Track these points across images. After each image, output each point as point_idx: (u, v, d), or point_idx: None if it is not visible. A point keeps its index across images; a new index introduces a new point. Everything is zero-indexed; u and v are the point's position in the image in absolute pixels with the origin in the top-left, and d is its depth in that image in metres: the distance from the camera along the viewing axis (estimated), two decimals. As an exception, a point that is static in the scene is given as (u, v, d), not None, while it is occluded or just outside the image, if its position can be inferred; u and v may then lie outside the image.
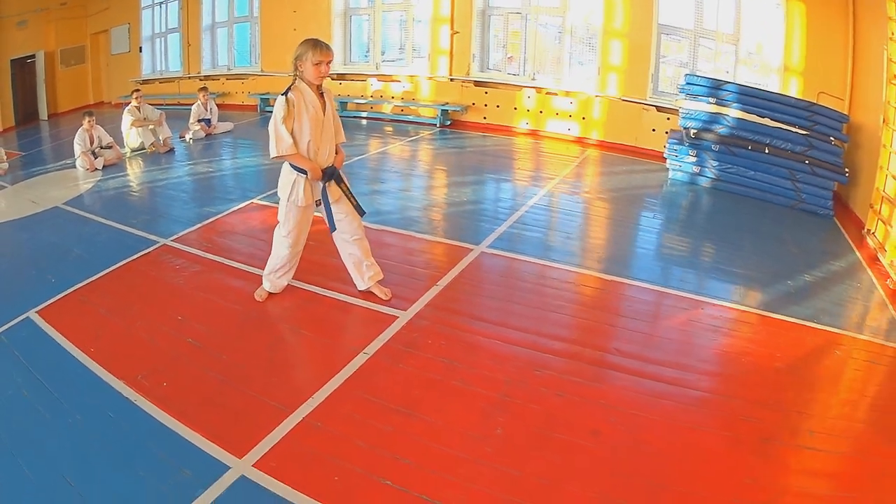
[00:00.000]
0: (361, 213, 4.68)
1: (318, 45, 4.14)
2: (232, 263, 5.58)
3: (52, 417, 3.50)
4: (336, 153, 4.54)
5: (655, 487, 3.08)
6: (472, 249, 6.02)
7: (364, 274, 4.85)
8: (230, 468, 3.05)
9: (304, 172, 4.32)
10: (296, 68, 4.21)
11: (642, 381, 3.98)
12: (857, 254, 6.84)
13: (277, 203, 4.56)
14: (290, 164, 4.36)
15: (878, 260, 6.55)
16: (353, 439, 3.29)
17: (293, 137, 4.22)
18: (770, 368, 4.27)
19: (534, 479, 3.07)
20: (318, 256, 5.70)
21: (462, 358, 4.08)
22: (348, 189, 4.62)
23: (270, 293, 4.92)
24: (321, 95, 4.33)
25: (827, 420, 3.76)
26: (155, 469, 3.05)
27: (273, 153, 4.24)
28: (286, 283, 4.96)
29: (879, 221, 6.99)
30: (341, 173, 4.54)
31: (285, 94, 4.16)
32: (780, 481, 3.20)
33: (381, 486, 2.98)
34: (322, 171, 4.37)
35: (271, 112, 4.25)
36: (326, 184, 4.45)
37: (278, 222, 4.62)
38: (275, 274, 4.83)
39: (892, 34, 6.88)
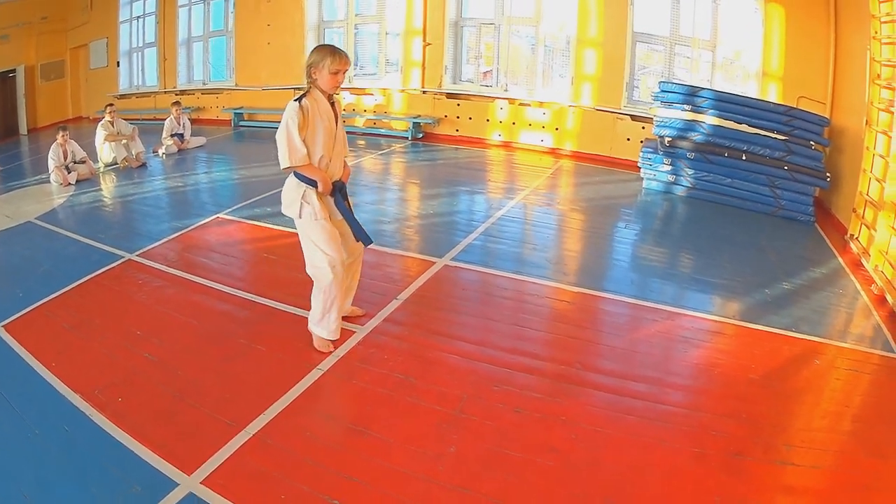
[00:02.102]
0: (367, 241, 4.38)
1: (336, 53, 3.92)
2: (193, 278, 5.58)
3: (11, 430, 3.52)
4: (343, 167, 4.30)
5: None
6: (434, 262, 5.95)
7: (350, 293, 4.68)
8: (179, 485, 3.03)
9: (314, 184, 4.04)
10: (309, 76, 3.97)
11: (606, 395, 3.88)
12: (840, 259, 6.81)
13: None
14: (298, 176, 4.06)
15: (862, 265, 6.53)
16: (303, 457, 3.24)
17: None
18: (743, 380, 4.18)
19: (486, 499, 2.96)
20: (277, 271, 5.77)
21: (418, 374, 4.00)
22: (350, 210, 4.33)
23: (332, 340, 4.39)
24: (332, 105, 4.11)
25: (804, 433, 3.65)
26: (107, 484, 3.05)
27: (285, 163, 3.96)
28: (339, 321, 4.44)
29: (863, 226, 6.97)
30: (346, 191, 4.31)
31: (298, 100, 3.91)
32: (752, 499, 3.09)
33: (329, 506, 2.91)
34: (332, 184, 4.13)
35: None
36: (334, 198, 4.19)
37: (305, 260, 4.23)
38: (329, 316, 4.29)
39: (876, 33, 6.90)
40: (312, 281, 4.27)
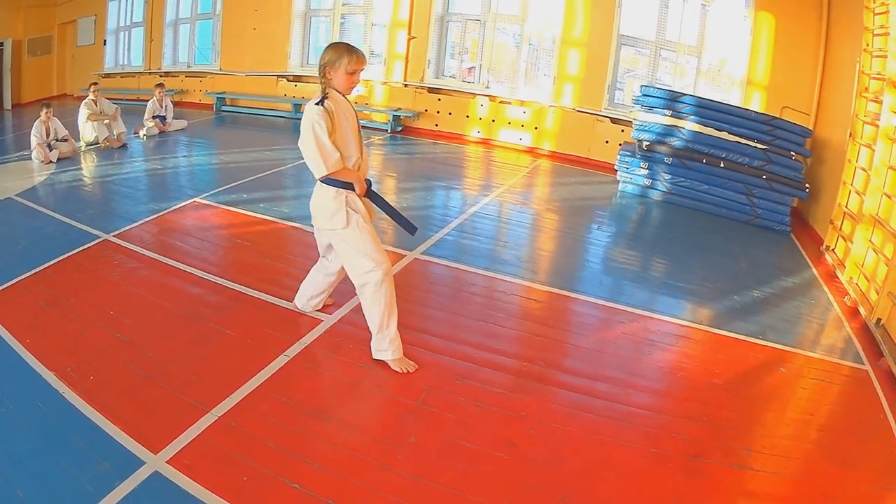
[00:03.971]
0: (413, 231, 4.16)
1: (352, 51, 3.74)
2: (167, 261, 5.61)
3: (-16, 405, 3.57)
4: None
5: (569, 503, 3.03)
6: (405, 255, 6.00)
7: (319, 299, 4.68)
8: (145, 463, 3.09)
9: (351, 188, 3.89)
10: (323, 76, 3.78)
11: (568, 393, 3.95)
12: (814, 270, 6.97)
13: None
14: (332, 183, 3.86)
15: (836, 277, 6.68)
16: (266, 440, 3.29)
17: None
18: (706, 384, 4.27)
19: (443, 488, 3.02)
20: (251, 257, 5.80)
21: (383, 364, 4.03)
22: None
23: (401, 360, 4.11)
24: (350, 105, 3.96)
25: (767, 439, 3.73)
26: (76, 459, 3.11)
27: (322, 171, 3.78)
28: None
29: (839, 238, 7.12)
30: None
31: (320, 103, 3.71)
32: (709, 501, 3.17)
33: (288, 489, 2.99)
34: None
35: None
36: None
37: (351, 275, 4.04)
38: (388, 330, 4.04)
39: (867, 45, 7.05)
40: (358, 293, 4.07)
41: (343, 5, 13.79)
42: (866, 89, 7.05)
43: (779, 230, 8.39)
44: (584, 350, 4.59)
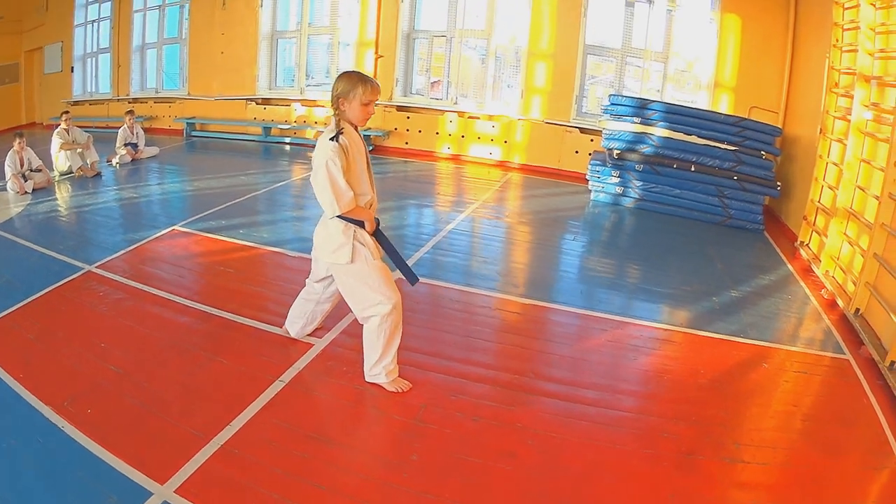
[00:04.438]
0: (413, 281, 4.07)
1: (367, 81, 3.63)
2: (152, 291, 5.60)
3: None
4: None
5: None
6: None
7: (313, 326, 4.69)
8: (153, 494, 3.09)
9: (360, 224, 3.85)
10: (337, 107, 3.67)
11: (560, 403, 4.06)
12: (789, 266, 7.21)
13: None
14: (343, 218, 3.80)
15: (812, 271, 6.91)
16: (270, 466, 3.32)
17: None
18: (692, 385, 4.43)
19: (449, 502, 3.10)
20: (235, 284, 5.81)
21: (376, 385, 4.09)
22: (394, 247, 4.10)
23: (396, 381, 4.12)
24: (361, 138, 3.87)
25: (754, 432, 3.91)
26: (84, 493, 3.10)
27: (335, 212, 3.71)
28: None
29: (813, 233, 7.36)
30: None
31: (335, 139, 3.60)
32: (706, 495, 3.31)
33: (300, 513, 3.03)
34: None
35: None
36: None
37: (355, 308, 3.99)
38: (386, 359, 4.04)
39: (837, 41, 7.28)
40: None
41: (309, 25, 13.87)
42: (836, 85, 7.30)
43: (752, 229, 8.61)
44: (569, 359, 4.70)
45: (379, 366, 4.03)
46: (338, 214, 3.75)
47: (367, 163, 3.89)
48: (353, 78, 3.65)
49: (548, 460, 3.48)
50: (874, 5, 6.26)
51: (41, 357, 4.47)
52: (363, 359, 4.10)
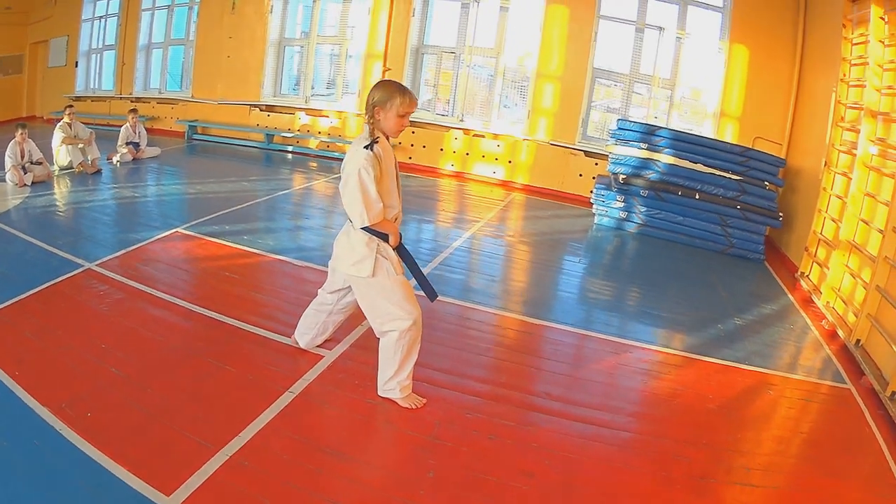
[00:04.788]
0: (433, 297, 4.00)
1: (405, 92, 3.59)
2: (155, 293, 5.50)
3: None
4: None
5: None
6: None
7: (324, 337, 4.61)
8: None
9: (384, 237, 3.78)
10: (372, 116, 3.60)
11: (573, 423, 4.07)
12: (790, 297, 7.29)
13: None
14: (367, 230, 3.73)
15: (812, 302, 6.99)
16: (282, 480, 3.25)
17: None
18: (701, 409, 4.47)
19: (467, 521, 3.10)
20: (241, 290, 5.76)
21: (389, 399, 4.06)
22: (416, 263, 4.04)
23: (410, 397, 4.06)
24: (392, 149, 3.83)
25: (762, 457, 3.96)
26: (83, 503, 3.00)
27: (364, 222, 3.63)
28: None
29: (814, 264, 7.44)
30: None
31: (370, 147, 3.55)
32: None
33: (312, 529, 2.98)
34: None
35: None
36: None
37: (374, 321, 3.94)
38: (401, 375, 3.97)
39: (844, 76, 7.40)
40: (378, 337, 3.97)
41: (318, 35, 13.92)
42: (842, 119, 7.40)
43: (753, 258, 8.68)
44: (582, 381, 4.72)
45: (394, 381, 3.97)
46: (365, 226, 3.67)
47: (397, 175, 3.87)
48: (391, 87, 3.60)
49: (565, 480, 3.49)
50: (883, 42, 6.40)
51: (38, 355, 4.35)
52: (377, 372, 4.07)
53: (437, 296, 4.04)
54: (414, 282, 4.02)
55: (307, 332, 4.55)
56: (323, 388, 4.20)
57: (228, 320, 5.08)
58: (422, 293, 4.02)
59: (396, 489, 3.29)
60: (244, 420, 3.72)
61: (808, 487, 3.73)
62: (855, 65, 7.18)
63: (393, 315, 3.81)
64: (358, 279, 3.84)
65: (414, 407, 4.01)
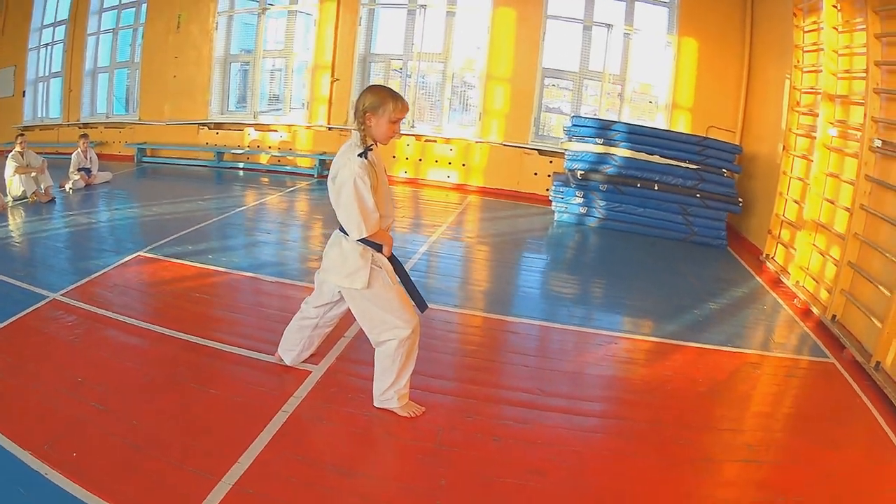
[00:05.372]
0: (423, 307, 3.88)
1: (397, 97, 3.46)
2: (126, 319, 5.25)
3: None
4: None
5: None
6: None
7: (310, 352, 4.45)
8: None
9: (378, 247, 3.67)
10: (363, 122, 3.46)
11: (572, 417, 4.06)
12: (758, 279, 7.45)
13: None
14: (362, 241, 3.60)
15: (781, 282, 7.15)
16: (292, 503, 3.12)
17: None
18: (693, 393, 4.54)
19: (490, 526, 3.03)
20: (214, 310, 5.58)
21: (386, 410, 3.94)
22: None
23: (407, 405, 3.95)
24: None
25: (761, 433, 4.07)
26: None
27: (361, 234, 3.49)
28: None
29: (779, 246, 7.62)
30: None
31: (364, 155, 3.43)
32: (729, 496, 3.41)
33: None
34: None
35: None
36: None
37: (371, 332, 3.81)
38: (398, 384, 3.85)
39: (798, 62, 7.58)
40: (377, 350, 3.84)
41: (264, 50, 13.72)
42: (798, 104, 7.58)
43: (716, 245, 8.82)
44: (572, 374, 4.72)
45: (391, 390, 3.84)
46: (364, 237, 3.54)
47: (388, 183, 3.77)
48: (382, 92, 3.49)
49: (575, 475, 3.46)
50: (837, 29, 6.55)
51: (12, 394, 4.10)
52: (371, 384, 3.95)
53: (426, 306, 3.92)
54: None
55: (292, 348, 4.39)
56: (316, 405, 4.04)
57: (206, 342, 4.86)
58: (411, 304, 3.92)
59: (413, 501, 3.19)
60: (241, 445, 3.53)
61: (810, 460, 3.80)
62: (808, 51, 7.37)
63: (390, 324, 3.69)
64: (353, 291, 3.71)
65: (413, 415, 3.89)
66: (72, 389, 4.14)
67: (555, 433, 3.85)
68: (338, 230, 3.71)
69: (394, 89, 3.60)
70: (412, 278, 3.90)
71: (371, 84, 3.63)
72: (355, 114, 3.51)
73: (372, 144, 3.52)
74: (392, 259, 3.78)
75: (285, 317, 4.68)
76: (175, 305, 5.76)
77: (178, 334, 4.99)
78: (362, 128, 3.47)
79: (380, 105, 3.43)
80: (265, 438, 3.62)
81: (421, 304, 3.87)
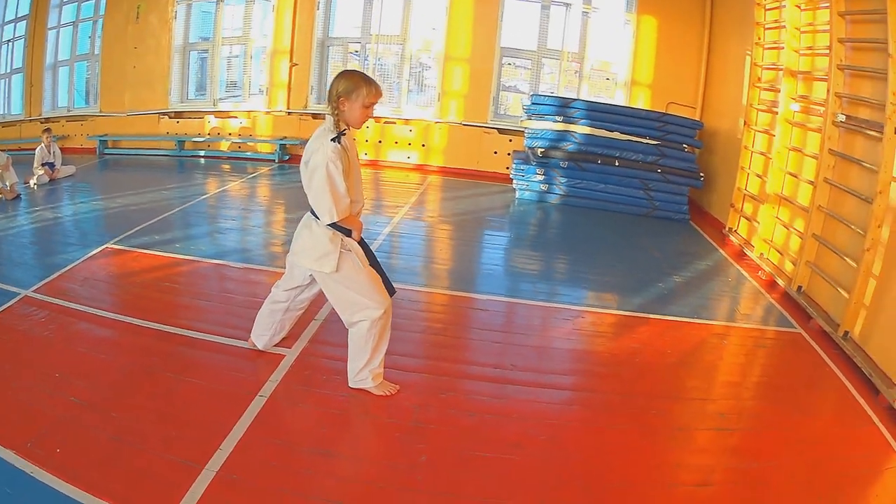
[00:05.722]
0: (392, 291, 3.91)
1: (370, 82, 3.45)
2: (99, 312, 5.17)
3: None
4: None
5: (592, 487, 3.22)
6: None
7: (282, 335, 4.44)
8: None
9: (347, 232, 3.68)
10: (337, 107, 3.45)
11: (545, 391, 4.12)
12: (722, 252, 7.60)
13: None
14: (331, 225, 3.60)
15: (745, 255, 7.30)
16: (276, 487, 3.11)
17: None
18: (663, 364, 4.64)
19: (472, 500, 3.08)
20: (185, 299, 5.54)
21: (362, 390, 3.96)
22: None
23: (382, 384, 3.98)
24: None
25: (733, 402, 4.20)
26: None
27: (332, 218, 3.49)
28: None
29: (742, 219, 7.78)
30: None
31: (337, 139, 3.42)
32: (706, 462, 3.51)
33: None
34: None
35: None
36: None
37: (344, 313, 3.82)
38: (373, 363, 3.88)
39: (759, 39, 7.69)
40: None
41: (223, 37, 13.49)
42: (759, 80, 7.70)
43: (678, 219, 8.96)
44: (541, 349, 4.80)
45: (366, 370, 3.87)
46: (334, 222, 3.54)
47: (359, 169, 3.76)
48: (355, 77, 3.47)
49: (552, 447, 3.53)
50: (799, 7, 6.66)
51: (-10, 395, 4.08)
52: (345, 365, 3.96)
53: (395, 291, 3.95)
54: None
55: (264, 332, 4.37)
56: (292, 388, 4.05)
57: (179, 331, 4.82)
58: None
59: (393, 479, 3.23)
60: (221, 432, 3.53)
61: (782, 426, 3.92)
62: (770, 28, 7.47)
63: (362, 305, 3.70)
64: (322, 275, 3.73)
65: (388, 394, 3.93)
66: (50, 386, 4.08)
67: (529, 407, 3.91)
68: (308, 213, 3.71)
69: (367, 75, 3.57)
70: (379, 258, 3.93)
71: (345, 69, 3.59)
72: (329, 99, 3.50)
73: (345, 129, 3.50)
74: (361, 243, 3.79)
75: (253, 302, 4.69)
76: (145, 296, 5.68)
77: (150, 324, 4.93)
78: (336, 112, 3.46)
79: (353, 90, 3.41)
80: (244, 424, 3.62)
81: (389, 289, 3.89)
